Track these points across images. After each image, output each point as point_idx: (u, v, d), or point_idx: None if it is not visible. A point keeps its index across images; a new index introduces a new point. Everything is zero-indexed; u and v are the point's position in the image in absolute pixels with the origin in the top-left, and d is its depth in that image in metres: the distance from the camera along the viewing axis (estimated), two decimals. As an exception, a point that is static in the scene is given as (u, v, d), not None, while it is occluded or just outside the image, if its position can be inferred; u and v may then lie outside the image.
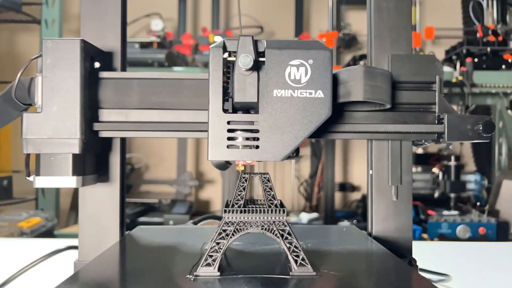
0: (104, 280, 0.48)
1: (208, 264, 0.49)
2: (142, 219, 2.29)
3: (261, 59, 0.51)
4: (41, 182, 0.54)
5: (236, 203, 0.53)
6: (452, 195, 2.32)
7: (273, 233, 0.51)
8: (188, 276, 0.48)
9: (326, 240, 0.68)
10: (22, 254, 1.10)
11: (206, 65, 2.49)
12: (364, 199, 2.63)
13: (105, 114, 0.58)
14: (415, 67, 0.62)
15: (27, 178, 0.56)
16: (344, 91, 0.55)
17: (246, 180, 0.55)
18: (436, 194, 2.35)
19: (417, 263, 0.65)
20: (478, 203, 2.34)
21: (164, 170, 2.87)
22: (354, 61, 2.57)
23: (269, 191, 0.54)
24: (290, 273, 0.49)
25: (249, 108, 0.53)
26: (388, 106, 0.57)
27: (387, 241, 0.66)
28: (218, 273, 0.48)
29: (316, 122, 0.52)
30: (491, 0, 2.65)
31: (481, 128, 0.56)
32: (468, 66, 2.32)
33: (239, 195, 0.54)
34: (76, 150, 0.54)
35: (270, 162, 2.89)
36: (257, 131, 0.51)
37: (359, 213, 2.59)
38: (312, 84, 0.51)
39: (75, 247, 0.66)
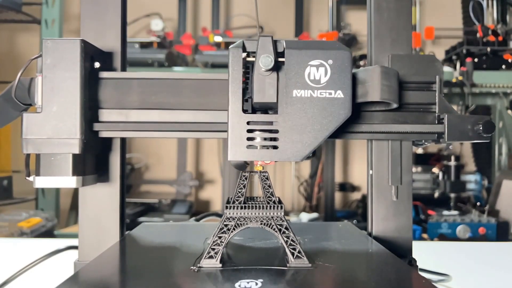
0: (104, 280, 0.48)
1: (211, 257, 0.51)
2: (142, 219, 2.29)
3: (280, 59, 0.52)
4: (41, 182, 0.54)
5: (237, 200, 0.55)
6: (452, 195, 2.32)
7: (271, 228, 0.54)
8: (192, 267, 0.50)
9: (322, 236, 0.69)
10: (22, 254, 1.10)
11: (206, 65, 2.48)
12: (364, 199, 2.63)
13: (105, 114, 0.58)
14: (415, 67, 0.62)
15: (27, 178, 0.56)
16: (361, 91, 0.55)
17: (246, 178, 0.56)
18: (436, 194, 2.35)
19: (417, 263, 0.65)
20: (478, 203, 2.34)
21: (164, 170, 2.88)
22: (354, 61, 2.57)
23: (268, 189, 0.56)
24: (287, 265, 0.51)
25: (268, 108, 0.54)
26: (396, 105, 0.58)
27: (387, 241, 0.66)
28: (220, 265, 0.51)
29: (336, 123, 0.52)
30: (491, 0, 2.65)
31: (481, 128, 0.56)
32: (468, 66, 2.32)
33: (239, 192, 0.55)
34: (76, 150, 0.54)
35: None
36: (276, 131, 0.52)
37: (359, 213, 2.59)
38: (331, 85, 0.52)
39: (75, 247, 0.66)
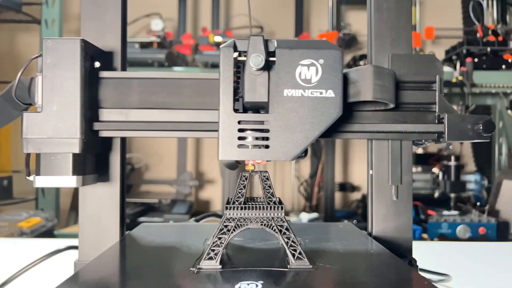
0: (104, 280, 0.48)
1: (211, 258, 0.51)
2: (142, 219, 2.30)
3: (271, 58, 0.52)
4: (41, 181, 0.54)
5: (237, 200, 0.54)
6: (452, 195, 2.32)
7: (272, 229, 0.53)
8: (191, 269, 0.49)
9: (323, 237, 0.69)
10: (22, 254, 1.10)
11: (206, 65, 2.49)
12: (364, 199, 2.63)
13: (105, 114, 0.58)
14: (415, 66, 0.62)
15: (27, 177, 0.56)
16: (353, 90, 0.55)
17: (246, 179, 0.56)
18: (436, 194, 2.35)
19: (417, 263, 0.65)
20: (478, 203, 2.34)
21: (164, 170, 2.87)
22: (354, 61, 2.57)
23: (268, 189, 0.56)
24: (288, 266, 0.51)
25: (259, 108, 0.54)
26: (392, 105, 0.58)
27: (387, 241, 0.66)
28: (220, 266, 0.50)
29: (326, 122, 0.52)
30: (491, 0, 2.65)
31: (481, 127, 0.56)
32: (468, 66, 2.32)
33: (239, 192, 0.55)
34: (76, 150, 0.54)
35: (270, 161, 2.88)
36: (267, 130, 0.52)
37: (359, 213, 2.59)
38: (322, 84, 0.52)
39: (75, 247, 0.66)
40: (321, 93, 0.52)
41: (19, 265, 0.81)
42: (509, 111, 2.41)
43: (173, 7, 2.82)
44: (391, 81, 0.56)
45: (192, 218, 0.97)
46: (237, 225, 0.53)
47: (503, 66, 2.39)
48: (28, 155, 0.55)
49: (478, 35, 2.43)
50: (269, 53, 0.52)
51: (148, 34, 2.53)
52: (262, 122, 0.52)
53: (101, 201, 0.64)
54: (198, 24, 2.96)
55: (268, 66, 0.51)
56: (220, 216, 0.96)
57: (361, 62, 2.47)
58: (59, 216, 2.42)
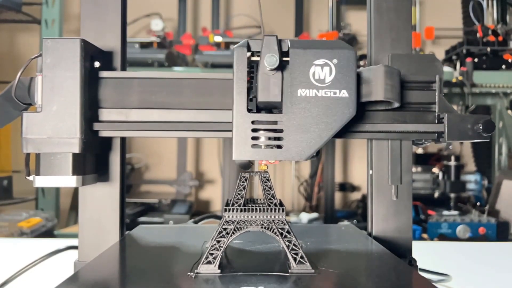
0: (104, 280, 0.48)
1: (209, 262, 0.49)
2: (142, 219, 2.30)
3: (285, 58, 0.51)
4: (41, 181, 0.54)
5: (236, 202, 0.53)
6: (452, 195, 2.32)
7: (272, 232, 0.52)
8: (189, 273, 0.48)
9: (324, 239, 0.68)
10: (22, 254, 1.10)
11: (206, 65, 2.48)
12: (364, 199, 2.63)
13: (105, 114, 0.58)
14: (415, 66, 0.62)
15: (27, 177, 0.56)
16: (365, 90, 0.55)
17: (246, 180, 0.55)
18: (436, 194, 2.35)
19: (417, 263, 0.65)
20: (478, 203, 2.34)
21: (164, 170, 2.87)
22: (354, 61, 2.57)
23: (268, 190, 0.55)
24: (289, 271, 0.50)
25: (272, 107, 0.53)
26: (397, 105, 0.57)
27: (387, 241, 0.65)
28: (219, 271, 0.49)
29: (340, 122, 0.52)
30: (491, 0, 2.65)
31: (481, 127, 0.56)
32: (468, 66, 2.32)
33: (239, 194, 0.54)
34: (76, 150, 0.54)
35: (270, 162, 2.88)
36: (281, 130, 0.51)
37: (359, 213, 2.59)
38: (336, 84, 0.51)
39: (75, 247, 0.66)
40: (334, 93, 0.51)
41: (19, 265, 0.81)
42: (509, 111, 2.41)
43: (173, 7, 2.82)
44: (399, 80, 0.56)
45: (191, 219, 0.97)
46: (237, 227, 0.52)
47: (503, 66, 2.39)
48: (28, 155, 0.55)
49: (478, 35, 2.43)
50: (283, 53, 0.51)
51: (148, 34, 2.53)
52: (275, 122, 0.52)
53: (101, 201, 0.64)
54: (198, 24, 2.96)
55: (281, 66, 0.51)
56: (219, 217, 0.96)
57: (361, 62, 2.46)
58: (59, 216, 2.42)
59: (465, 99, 2.30)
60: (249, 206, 0.53)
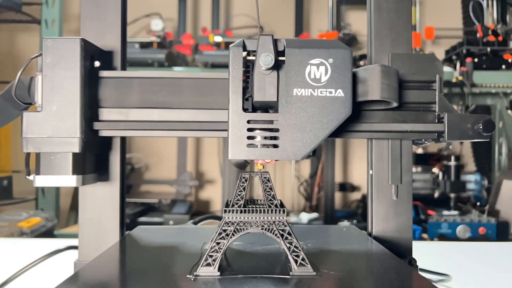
0: (104, 280, 0.48)
1: (208, 264, 0.49)
2: (142, 219, 2.29)
3: (280, 58, 0.51)
4: (41, 181, 0.54)
5: (236, 203, 0.53)
6: (452, 195, 2.32)
7: (273, 233, 0.51)
8: (188, 276, 0.48)
9: (326, 240, 0.68)
10: (22, 254, 1.10)
11: (206, 65, 2.48)
12: (364, 199, 2.63)
13: (105, 113, 0.58)
14: (415, 66, 0.62)
15: (27, 177, 0.56)
16: (362, 90, 0.55)
17: (246, 180, 0.55)
18: (436, 194, 2.35)
19: (417, 263, 0.65)
20: (478, 203, 2.34)
21: (164, 170, 2.87)
22: (354, 61, 2.57)
23: (269, 191, 0.54)
24: (290, 273, 0.49)
25: (268, 107, 0.53)
26: (396, 104, 0.57)
27: (387, 241, 0.65)
28: (218, 273, 0.48)
29: (336, 121, 0.52)
30: (491, 0, 2.65)
31: (481, 127, 0.56)
32: (468, 66, 2.32)
33: (239, 195, 0.54)
34: (76, 149, 0.54)
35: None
36: (277, 130, 0.51)
37: (359, 213, 2.59)
38: (332, 83, 0.52)
39: (75, 247, 0.66)
40: (330, 92, 0.52)
41: (19, 265, 0.81)
42: (509, 111, 2.41)
43: (173, 7, 2.82)
44: (396, 80, 0.56)
45: (191, 220, 0.97)
46: (237, 229, 0.51)
47: (503, 66, 2.39)
48: (28, 154, 0.55)
49: (478, 35, 2.43)
50: (278, 53, 0.51)
51: (148, 34, 2.53)
52: (271, 122, 0.52)
53: (101, 201, 0.64)
54: (198, 24, 2.96)
55: (277, 66, 0.51)
56: (219, 218, 0.95)
57: (361, 62, 2.46)
58: (59, 216, 2.42)
59: (465, 99, 2.30)
60: (249, 207, 0.52)
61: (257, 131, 0.51)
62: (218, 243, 0.50)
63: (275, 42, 0.51)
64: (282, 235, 0.51)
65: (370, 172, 0.67)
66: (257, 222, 0.52)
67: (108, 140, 0.64)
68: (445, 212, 2.16)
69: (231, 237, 0.51)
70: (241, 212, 0.52)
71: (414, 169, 2.39)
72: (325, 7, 2.80)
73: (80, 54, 0.54)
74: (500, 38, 2.40)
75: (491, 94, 2.42)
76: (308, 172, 2.82)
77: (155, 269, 0.51)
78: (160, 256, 0.58)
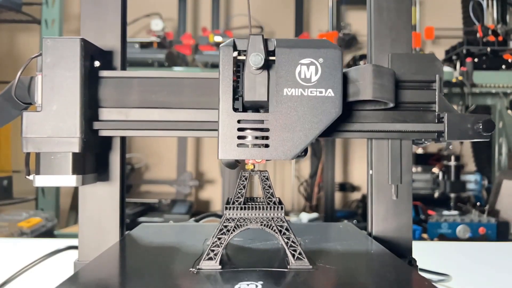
0: (104, 280, 0.48)
1: (210, 258, 0.51)
2: (142, 219, 2.29)
3: (271, 58, 0.52)
4: (41, 181, 0.54)
5: (237, 201, 0.54)
6: (452, 195, 2.32)
7: (271, 229, 0.53)
8: (191, 269, 0.49)
9: (323, 237, 0.69)
10: (22, 254, 1.10)
11: (206, 65, 2.48)
12: (364, 199, 2.63)
13: (105, 113, 0.58)
14: (415, 66, 0.62)
15: (27, 177, 0.56)
16: (353, 90, 0.55)
17: (246, 179, 0.56)
18: (436, 194, 2.35)
19: (417, 263, 0.65)
20: (478, 203, 2.34)
21: (164, 170, 2.87)
22: (354, 61, 2.57)
23: (268, 189, 0.56)
24: (288, 267, 0.51)
25: (259, 107, 0.54)
26: (392, 105, 0.57)
27: (387, 241, 0.66)
28: (220, 267, 0.50)
29: (326, 121, 0.52)
30: (491, 0, 2.65)
31: (481, 126, 0.56)
32: (468, 66, 2.32)
33: (239, 193, 0.55)
34: (76, 149, 0.54)
35: (270, 161, 2.89)
36: (267, 129, 0.52)
37: (359, 213, 2.59)
38: (322, 83, 0.52)
39: (75, 247, 0.66)
40: (320, 92, 0.52)
41: (19, 265, 0.81)
42: (509, 111, 2.41)
43: (173, 7, 2.82)
44: (391, 80, 0.56)
45: (192, 218, 0.97)
46: (237, 225, 0.53)
47: (503, 66, 2.39)
48: (28, 154, 0.55)
49: (478, 35, 2.43)
50: (269, 52, 0.52)
51: (148, 34, 2.53)
52: (261, 121, 0.52)
53: (101, 201, 0.64)
54: (198, 24, 2.96)
55: (267, 65, 0.51)
56: (219, 216, 0.96)
57: (361, 62, 2.46)
58: (59, 216, 2.41)
59: (465, 99, 2.30)
60: (249, 204, 0.54)
61: (248, 131, 0.52)
62: (219, 238, 0.52)
63: (266, 41, 0.52)
64: (280, 231, 0.53)
65: (370, 172, 0.67)
66: (256, 218, 0.53)
67: (108, 140, 0.64)
68: (445, 212, 2.16)
69: (231, 233, 0.53)
70: (241, 209, 0.53)
71: (414, 169, 2.39)
72: (325, 7, 2.80)
73: (80, 54, 0.54)
74: (500, 38, 2.40)
75: (491, 94, 2.41)
76: (308, 172, 2.82)
77: (157, 265, 0.52)
78: (162, 254, 0.59)
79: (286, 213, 0.54)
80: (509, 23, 2.62)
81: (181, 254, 0.58)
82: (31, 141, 0.53)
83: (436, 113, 0.59)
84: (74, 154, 0.54)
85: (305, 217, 2.25)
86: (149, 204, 2.48)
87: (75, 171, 0.54)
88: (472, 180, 2.46)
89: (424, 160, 2.49)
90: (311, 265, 0.51)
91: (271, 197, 0.55)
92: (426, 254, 0.94)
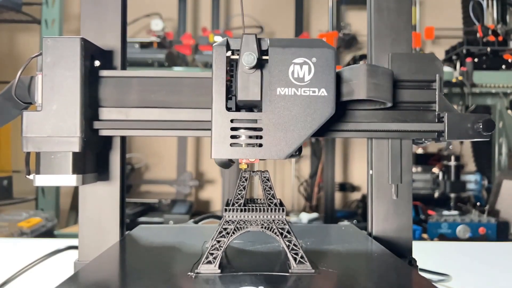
0: (104, 280, 0.48)
1: (209, 262, 0.49)
2: (142, 219, 2.29)
3: (264, 57, 0.52)
4: (41, 180, 0.54)
5: (237, 202, 0.53)
6: (452, 195, 2.32)
7: (272, 232, 0.52)
8: (189, 273, 0.48)
9: (325, 239, 0.68)
10: (22, 254, 1.10)
11: (206, 65, 2.48)
12: (364, 199, 2.63)
13: (105, 113, 0.58)
14: (415, 66, 0.62)
15: (27, 176, 0.56)
16: (347, 89, 0.55)
17: (246, 180, 0.55)
18: (436, 194, 2.35)
19: (417, 263, 0.65)
20: (478, 203, 2.34)
21: (164, 170, 2.87)
22: (354, 61, 2.57)
23: (268, 190, 0.55)
24: (289, 271, 0.49)
25: (252, 106, 0.54)
26: (390, 104, 0.57)
27: (387, 241, 0.65)
28: (219, 271, 0.49)
29: (319, 121, 0.52)
30: (491, 0, 2.65)
31: (481, 126, 0.56)
32: (468, 66, 2.32)
33: (239, 194, 0.54)
34: (76, 149, 0.54)
35: (270, 161, 2.89)
36: (260, 129, 0.52)
37: (359, 213, 2.59)
38: (315, 83, 0.52)
39: (75, 247, 0.66)
40: (314, 91, 0.52)
41: (19, 265, 0.81)
42: (509, 111, 2.41)
43: (173, 7, 2.82)
44: (387, 79, 0.56)
45: (191, 219, 0.97)
46: (237, 227, 0.52)
47: (503, 66, 2.39)
48: (28, 154, 0.55)
49: (478, 35, 2.43)
50: (262, 52, 0.52)
51: (148, 34, 2.53)
52: (255, 121, 0.52)
53: (101, 201, 0.64)
54: (198, 24, 2.96)
55: (261, 65, 0.51)
56: (219, 217, 0.96)
57: (361, 62, 2.46)
58: (59, 216, 2.41)
59: (465, 99, 2.30)
60: (249, 206, 0.53)
61: (241, 130, 0.52)
62: (218, 241, 0.51)
63: (259, 41, 0.51)
64: (281, 234, 0.52)
65: (370, 172, 0.67)
66: (257, 220, 0.52)
67: (108, 139, 0.64)
68: (445, 212, 2.16)
69: (231, 235, 0.51)
70: (241, 211, 0.52)
71: (414, 169, 2.39)
72: (325, 7, 2.80)
73: (80, 54, 0.54)
74: (500, 38, 2.40)
75: (491, 94, 2.41)
76: (308, 172, 2.82)
77: (156, 268, 0.51)
78: (161, 255, 0.58)
79: (286, 214, 0.53)
80: (509, 23, 2.62)
81: (180, 256, 0.57)
82: (31, 140, 0.53)
83: (436, 113, 0.59)
84: (74, 153, 0.54)
85: (305, 217, 2.25)
86: (149, 204, 2.48)
87: (75, 170, 0.54)
88: (472, 180, 2.46)
89: (424, 160, 2.49)
90: (313, 269, 0.49)
91: (272, 198, 0.54)
92: (426, 254, 0.94)
